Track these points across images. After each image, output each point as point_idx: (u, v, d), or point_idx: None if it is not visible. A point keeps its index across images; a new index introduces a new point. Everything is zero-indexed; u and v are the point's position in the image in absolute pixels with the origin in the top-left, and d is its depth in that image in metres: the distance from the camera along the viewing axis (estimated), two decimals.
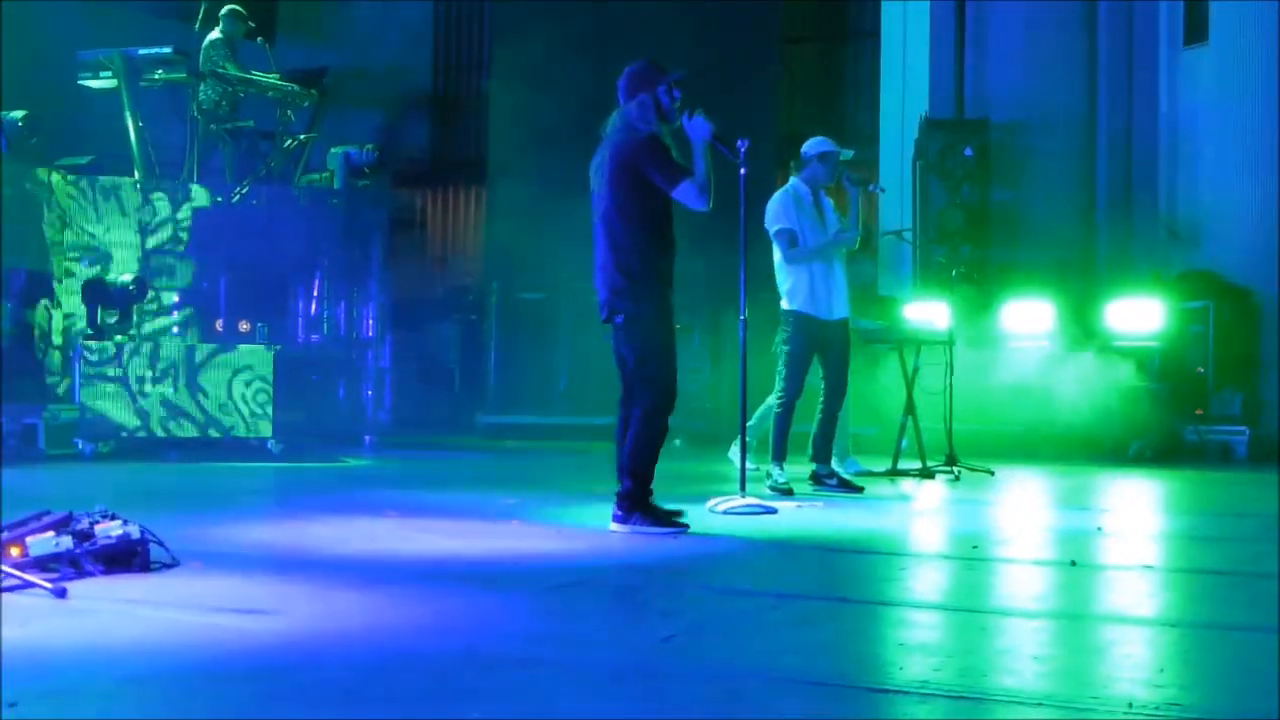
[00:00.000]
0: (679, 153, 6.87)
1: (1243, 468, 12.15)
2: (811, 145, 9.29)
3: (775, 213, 9.11)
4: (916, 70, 16.29)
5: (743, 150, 7.39)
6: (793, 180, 9.26)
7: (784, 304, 9.12)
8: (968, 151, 14.77)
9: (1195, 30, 14.62)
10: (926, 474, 10.21)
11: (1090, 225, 15.39)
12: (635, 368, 6.86)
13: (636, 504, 6.76)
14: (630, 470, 6.79)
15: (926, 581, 5.76)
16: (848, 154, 9.48)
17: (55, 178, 12.06)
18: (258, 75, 13.51)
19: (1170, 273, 14.18)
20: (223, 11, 13.53)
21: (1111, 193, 15.42)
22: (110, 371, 11.10)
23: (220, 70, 13.26)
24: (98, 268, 11.94)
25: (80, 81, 13.20)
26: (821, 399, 9.28)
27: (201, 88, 13.27)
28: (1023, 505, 9.20)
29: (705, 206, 6.79)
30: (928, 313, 12.01)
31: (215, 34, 13.46)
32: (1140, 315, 13.02)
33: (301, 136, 13.69)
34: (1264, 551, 6.61)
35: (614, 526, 6.76)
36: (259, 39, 13.81)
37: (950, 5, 15.67)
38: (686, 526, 6.77)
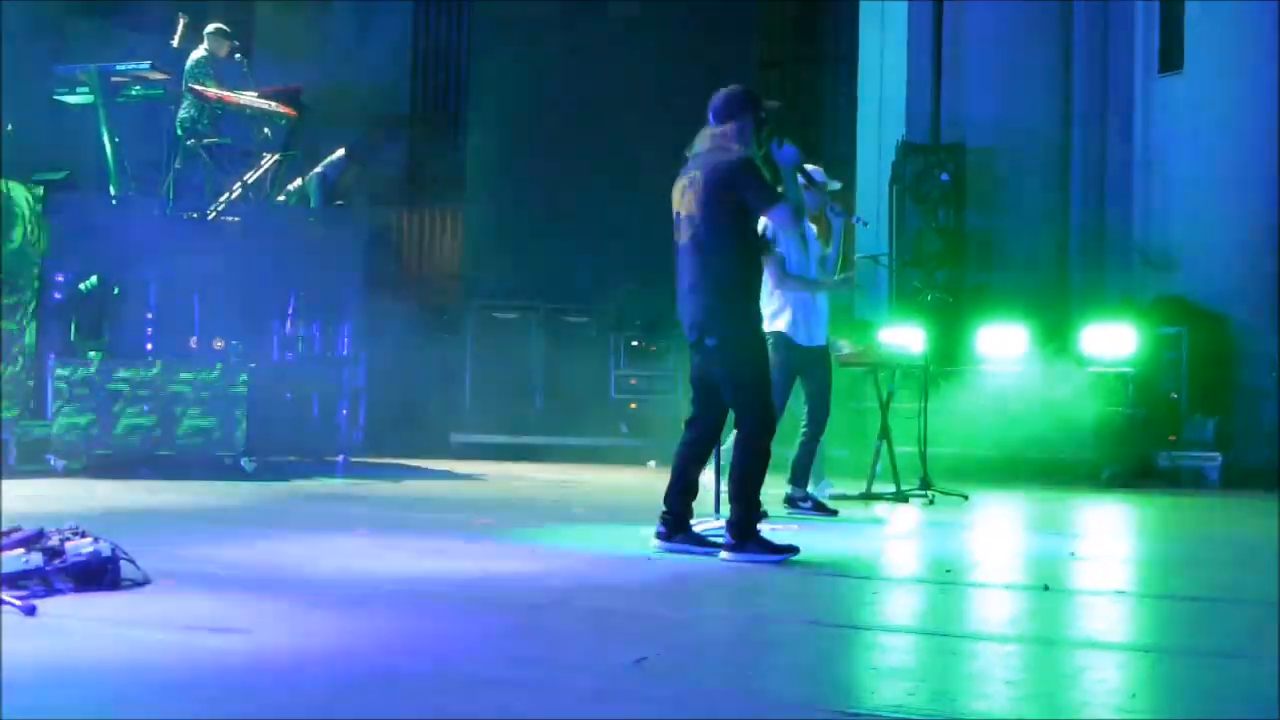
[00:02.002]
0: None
1: (1215, 493, 12.19)
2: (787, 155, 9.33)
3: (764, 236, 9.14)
4: (893, 95, 16.37)
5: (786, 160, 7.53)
6: None
7: (766, 326, 9.14)
8: (944, 176, 14.84)
9: (1170, 58, 14.72)
10: (900, 498, 10.22)
11: (1064, 250, 15.45)
12: (733, 392, 6.82)
13: (747, 532, 6.65)
14: (737, 496, 6.69)
15: (900, 605, 5.77)
16: (835, 185, 9.55)
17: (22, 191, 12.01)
18: (235, 93, 13.49)
19: (1144, 298, 14.25)
20: (208, 29, 13.53)
21: (1086, 218, 15.49)
22: (82, 388, 11.04)
23: (198, 87, 13.24)
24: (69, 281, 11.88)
25: (56, 97, 13.16)
26: (804, 424, 9.31)
27: (183, 105, 13.25)
28: (996, 529, 9.22)
29: (797, 229, 7.03)
30: (903, 336, 12.04)
31: (200, 52, 13.46)
32: (1114, 340, 13.07)
33: (278, 154, 13.66)
34: (1236, 577, 6.64)
35: (724, 555, 6.63)
36: (238, 55, 13.78)
37: (927, 31, 15.75)
38: (797, 550, 6.67)
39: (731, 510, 6.72)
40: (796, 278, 9.10)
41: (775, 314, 9.09)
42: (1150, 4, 15.03)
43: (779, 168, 6.91)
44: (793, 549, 6.66)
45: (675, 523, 6.85)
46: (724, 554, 6.64)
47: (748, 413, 6.79)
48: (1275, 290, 13.54)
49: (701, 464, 7.05)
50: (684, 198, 6.82)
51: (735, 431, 6.85)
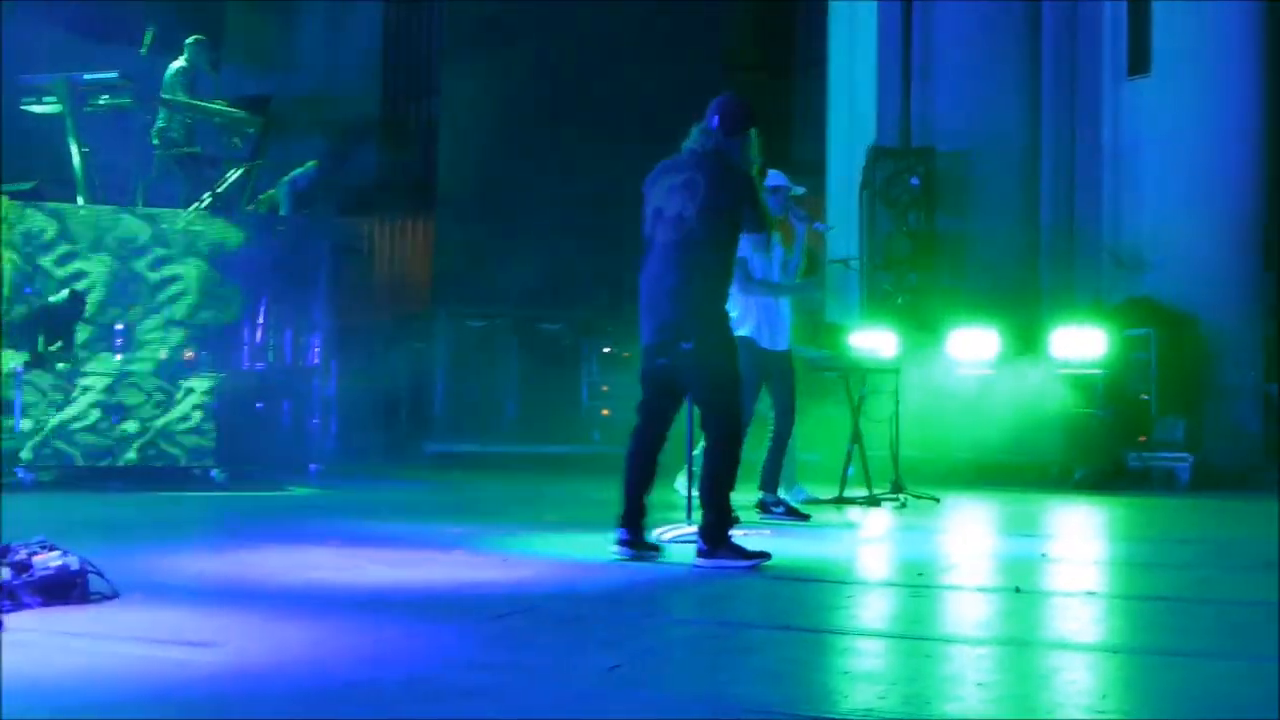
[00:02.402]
0: None
1: (1185, 494, 12.23)
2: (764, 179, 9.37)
3: None
4: (863, 100, 16.40)
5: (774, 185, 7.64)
6: None
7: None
8: (914, 180, 14.87)
9: (1138, 61, 14.76)
10: (872, 501, 10.24)
11: (1034, 253, 15.50)
12: (707, 395, 6.81)
13: (720, 537, 6.63)
14: (710, 503, 6.67)
15: (872, 609, 5.78)
16: (798, 190, 9.58)
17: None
18: (203, 102, 13.46)
19: (1113, 300, 14.29)
20: (189, 41, 13.52)
21: (1055, 221, 15.54)
22: (50, 399, 10.99)
23: (168, 97, 13.21)
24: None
25: (23, 107, 13.10)
26: (771, 428, 9.34)
27: (159, 115, 13.26)
28: (968, 532, 9.24)
29: (762, 254, 7.24)
30: (874, 340, 12.06)
31: (180, 62, 13.45)
32: (1084, 342, 13.10)
33: (248, 163, 13.63)
34: (1207, 577, 6.67)
35: (698, 561, 6.61)
36: (216, 67, 13.80)
37: (896, 35, 15.79)
38: (769, 556, 6.64)
39: (703, 516, 6.70)
40: (760, 282, 9.13)
41: (739, 319, 9.10)
42: (1118, 6, 15.07)
43: (771, 195, 7.00)
44: (764, 555, 6.66)
45: (639, 530, 6.84)
46: (697, 559, 6.63)
47: (720, 417, 6.78)
48: (1244, 291, 13.60)
49: (652, 472, 6.92)
50: (673, 197, 6.76)
51: (705, 438, 6.84)
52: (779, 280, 9.33)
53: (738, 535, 7.87)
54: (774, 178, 9.36)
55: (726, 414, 6.77)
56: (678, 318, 6.71)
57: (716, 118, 6.87)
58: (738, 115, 6.91)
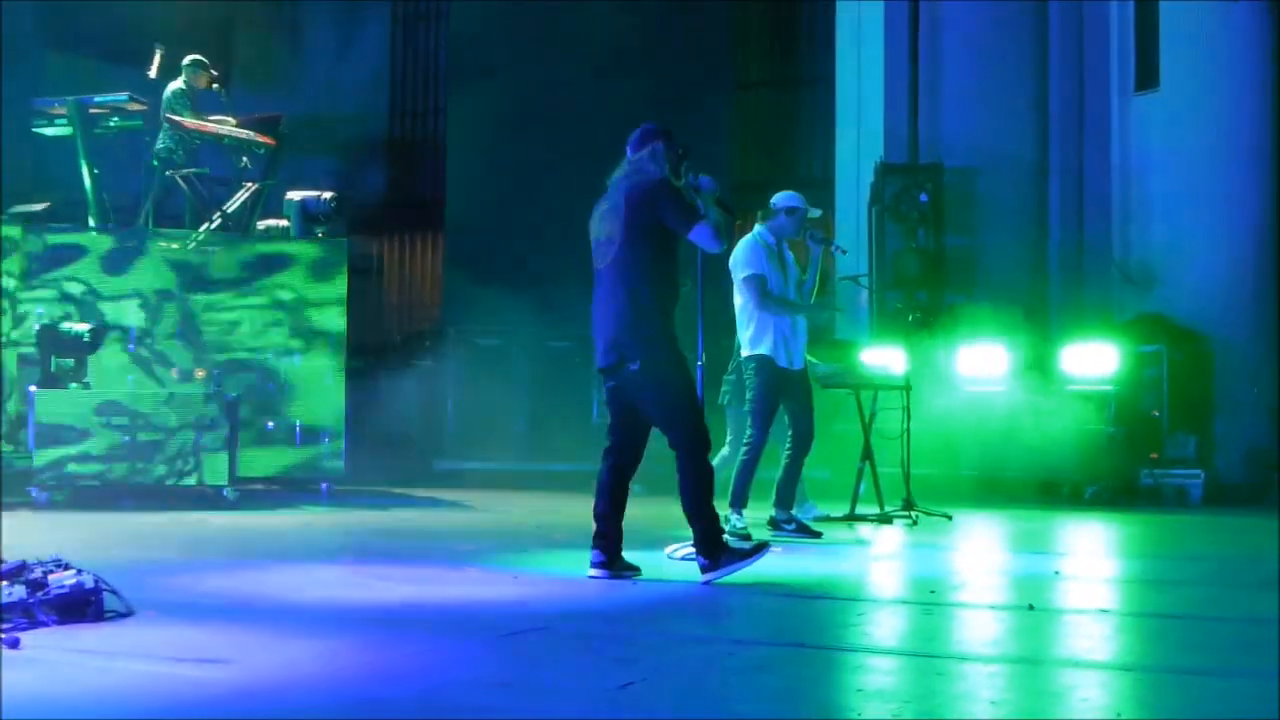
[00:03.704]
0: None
1: (1197, 511, 12.21)
2: (781, 199, 9.40)
3: (744, 259, 9.17)
4: (871, 116, 16.41)
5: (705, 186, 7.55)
6: (758, 228, 9.35)
7: (746, 350, 9.18)
8: (922, 197, 14.87)
9: (1146, 76, 14.78)
10: (884, 519, 10.23)
11: (1043, 270, 15.50)
12: (661, 412, 6.84)
13: (717, 546, 6.67)
14: (696, 515, 6.70)
15: (884, 627, 5.77)
16: (815, 213, 9.59)
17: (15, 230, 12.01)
18: (213, 122, 13.50)
19: (1123, 317, 14.29)
20: (185, 61, 13.55)
21: (1064, 237, 15.55)
22: (64, 419, 11.02)
23: (175, 117, 13.25)
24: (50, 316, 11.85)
25: (35, 129, 13.16)
26: (788, 447, 9.33)
27: (160, 135, 13.29)
28: (980, 549, 9.23)
29: (720, 248, 6.96)
30: (884, 357, 12.06)
31: (178, 83, 13.48)
32: (1095, 359, 13.10)
33: (257, 183, 13.67)
34: (1219, 595, 6.66)
35: (705, 577, 6.63)
36: (215, 86, 13.80)
37: (903, 52, 15.81)
38: (768, 545, 6.83)
39: (694, 530, 6.72)
40: (778, 299, 9.14)
41: (756, 337, 9.13)
42: (1125, 22, 15.10)
43: (703, 197, 6.97)
44: (764, 545, 6.80)
45: (615, 550, 6.87)
46: (704, 575, 6.64)
47: (680, 431, 6.80)
48: (1255, 307, 13.59)
49: (625, 490, 6.98)
50: (603, 223, 6.92)
51: (675, 454, 6.84)
52: (794, 299, 9.34)
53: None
54: (790, 199, 9.40)
55: (685, 426, 6.79)
56: (620, 339, 6.80)
57: (629, 147, 7.07)
58: (642, 135, 7.06)
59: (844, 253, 11.09)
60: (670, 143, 6.99)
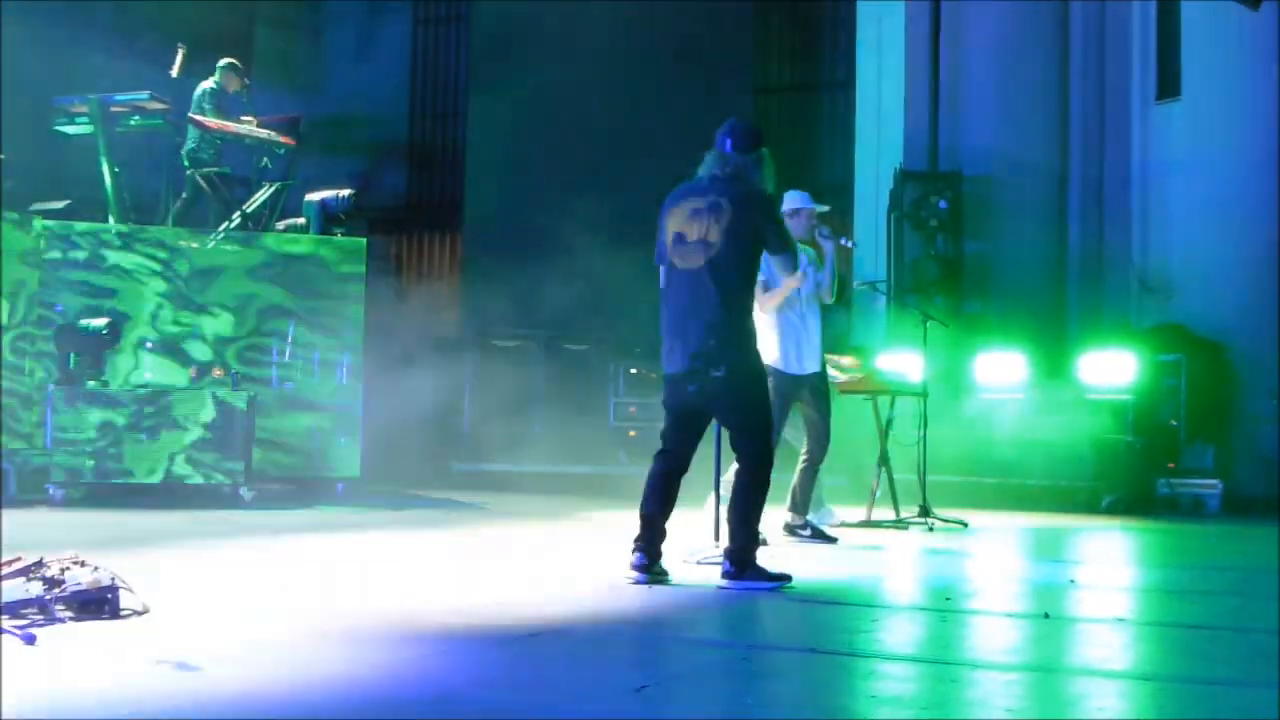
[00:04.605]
0: None
1: (1215, 521, 12.18)
2: (786, 199, 9.34)
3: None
4: (891, 122, 16.41)
5: None
6: None
7: None
8: (941, 204, 14.86)
9: (1167, 85, 14.76)
10: (900, 525, 10.22)
11: (1062, 278, 15.47)
12: (739, 420, 6.80)
13: (748, 560, 6.65)
14: (741, 526, 6.67)
15: (899, 633, 5.76)
16: (822, 208, 9.53)
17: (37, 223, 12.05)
18: (234, 122, 13.56)
19: (1142, 326, 14.25)
20: (221, 63, 13.66)
21: (1084, 245, 15.52)
22: (81, 416, 11.05)
23: (199, 117, 13.32)
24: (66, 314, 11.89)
25: (56, 127, 13.20)
26: (804, 451, 9.31)
27: (189, 135, 13.39)
28: (996, 557, 9.20)
29: (790, 275, 7.44)
30: (901, 363, 12.03)
31: (209, 83, 13.58)
32: (1113, 368, 13.07)
33: (277, 183, 13.71)
34: (1237, 605, 6.63)
35: (724, 583, 6.62)
36: (246, 86, 13.89)
37: (924, 58, 15.80)
38: (790, 579, 6.67)
39: (734, 538, 6.69)
40: (770, 294, 9.02)
41: (760, 343, 9.09)
42: (1147, 32, 15.08)
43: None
44: (786, 577, 6.67)
45: (655, 554, 6.83)
46: (724, 581, 6.63)
47: (753, 441, 6.77)
48: (1274, 317, 13.54)
49: (673, 497, 6.92)
50: (697, 221, 6.72)
51: (735, 462, 6.84)
52: (809, 303, 9.27)
53: (763, 556, 7.91)
54: (796, 199, 9.34)
55: (759, 438, 6.78)
56: (710, 345, 6.68)
57: (729, 140, 6.90)
58: (750, 136, 6.95)
59: (855, 245, 11.05)
60: (768, 151, 6.99)
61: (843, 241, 9.84)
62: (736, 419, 6.83)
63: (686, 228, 6.76)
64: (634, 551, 6.78)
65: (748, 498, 6.71)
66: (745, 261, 6.76)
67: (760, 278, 9.02)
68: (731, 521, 6.73)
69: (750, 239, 6.73)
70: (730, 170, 6.83)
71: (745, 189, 6.78)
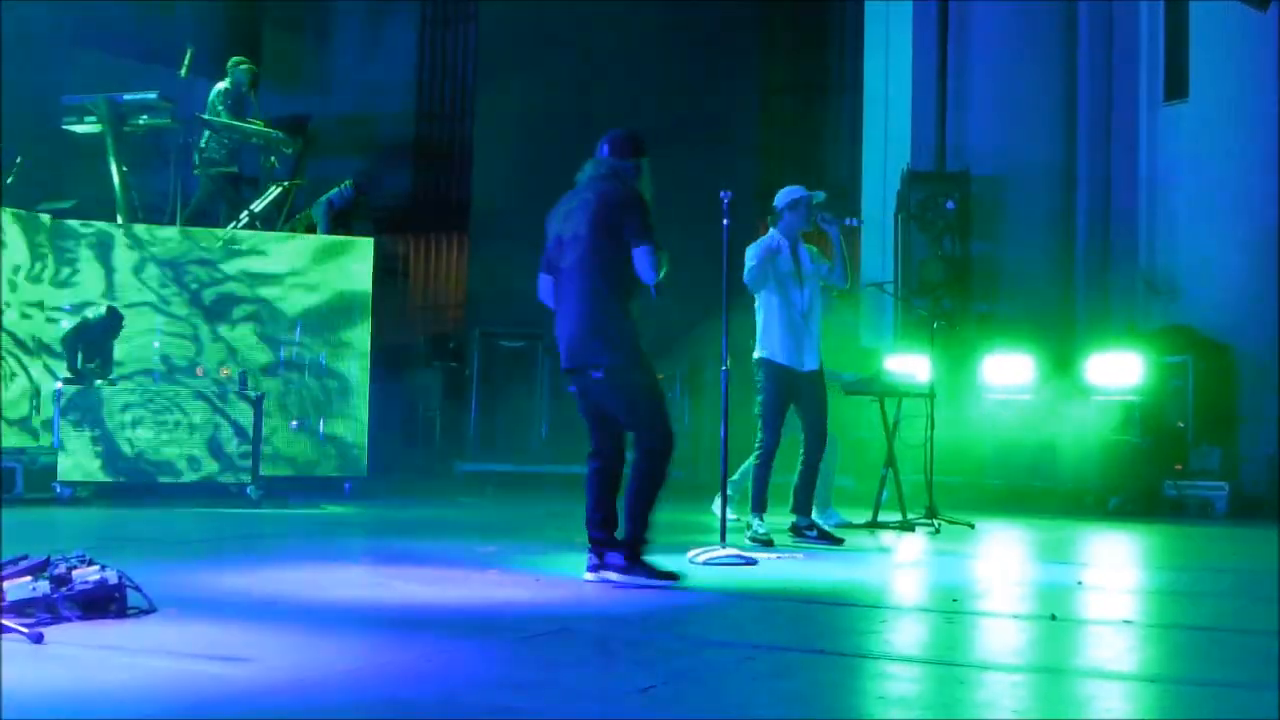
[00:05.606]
0: None
1: (1222, 523, 12.16)
2: (781, 196, 9.32)
3: (747, 257, 9.12)
4: (898, 122, 16.39)
5: (725, 201, 7.58)
6: (771, 232, 9.28)
7: (756, 353, 9.15)
8: (949, 204, 14.83)
9: (1175, 86, 14.73)
10: (907, 526, 10.20)
11: (1069, 279, 15.45)
12: (628, 415, 6.80)
13: (638, 553, 6.68)
14: (634, 516, 6.68)
15: (906, 634, 5.76)
16: (819, 196, 9.41)
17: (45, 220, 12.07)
18: (241, 122, 13.58)
19: (1149, 327, 14.23)
20: (240, 65, 13.71)
21: (1091, 247, 15.49)
22: (89, 415, 11.06)
23: (207, 116, 13.35)
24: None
25: (64, 126, 13.23)
26: (802, 450, 9.27)
27: (203, 136, 13.44)
28: (1003, 558, 9.20)
29: (654, 278, 6.77)
30: (908, 365, 12.02)
31: (223, 84, 13.63)
32: (1120, 369, 13.05)
33: (285, 183, 13.74)
34: (1243, 607, 6.63)
35: (612, 576, 6.65)
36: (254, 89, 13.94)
37: (931, 59, 15.78)
38: (677, 578, 6.67)
39: (626, 528, 6.68)
40: (752, 270, 9.01)
41: (762, 340, 9.09)
42: (1154, 32, 15.06)
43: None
44: (674, 575, 6.65)
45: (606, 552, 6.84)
46: (611, 575, 6.64)
47: (646, 432, 6.77)
48: None
49: (615, 490, 6.91)
50: (570, 221, 6.84)
51: (634, 452, 6.82)
52: (816, 297, 9.23)
53: (769, 558, 7.92)
54: (789, 194, 9.29)
55: (651, 430, 6.76)
56: (583, 343, 6.75)
57: (605, 146, 7.01)
58: (626, 144, 7.01)
59: (860, 223, 10.99)
60: (646, 160, 6.98)
61: (847, 222, 9.78)
62: (625, 415, 6.83)
63: (563, 228, 6.90)
64: (589, 553, 6.84)
65: (641, 491, 6.71)
66: (612, 257, 6.74)
67: (750, 264, 9.04)
68: (626, 512, 6.71)
69: (615, 235, 6.73)
70: (603, 172, 6.92)
71: (612, 186, 6.83)
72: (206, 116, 13.40)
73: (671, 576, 6.69)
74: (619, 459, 6.98)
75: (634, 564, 6.68)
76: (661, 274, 6.78)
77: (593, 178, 6.94)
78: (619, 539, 6.74)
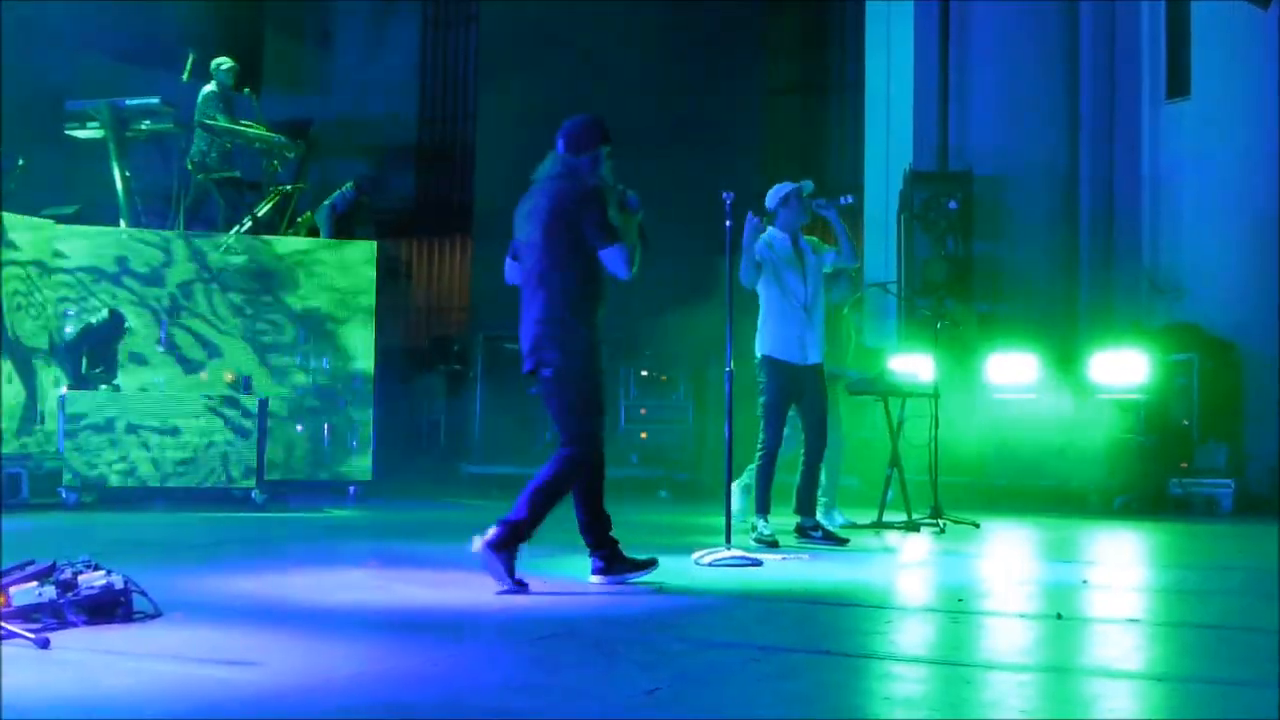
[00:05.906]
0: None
1: (1228, 521, 12.15)
2: (771, 196, 9.29)
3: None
4: (900, 123, 16.37)
5: (728, 203, 7.58)
6: (770, 230, 9.25)
7: (757, 351, 9.14)
8: (951, 204, 14.82)
9: (1177, 84, 14.72)
10: (912, 526, 10.19)
11: (1073, 278, 15.43)
12: (563, 418, 6.76)
13: (509, 542, 6.48)
14: (529, 505, 6.55)
15: (911, 634, 5.75)
16: (808, 186, 9.33)
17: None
18: (244, 126, 13.58)
19: (1153, 325, 14.21)
20: (224, 66, 13.64)
21: (1094, 245, 15.48)
22: (93, 421, 11.07)
23: (209, 121, 13.34)
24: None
25: (67, 131, 13.24)
26: (802, 449, 9.25)
27: (194, 139, 13.40)
28: (1008, 558, 9.19)
29: (628, 275, 6.73)
30: (912, 365, 12.01)
31: (210, 87, 13.59)
32: (1125, 367, 13.03)
33: (288, 187, 13.74)
34: (1250, 605, 6.62)
35: (594, 579, 6.69)
36: (245, 90, 13.89)
37: (933, 57, 15.77)
38: (526, 588, 6.46)
39: (520, 514, 6.53)
40: (744, 266, 8.97)
41: (762, 337, 9.07)
42: (1157, 30, 15.05)
43: (625, 216, 6.85)
44: (523, 585, 6.46)
45: (610, 555, 6.84)
46: (476, 546, 6.46)
47: (572, 430, 6.73)
48: None
49: (599, 492, 6.92)
50: (528, 223, 6.78)
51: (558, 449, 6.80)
52: (819, 288, 9.21)
53: (774, 559, 7.92)
54: (778, 191, 9.26)
55: (577, 438, 6.73)
56: (537, 345, 6.71)
57: (560, 141, 6.91)
58: (582, 133, 6.91)
59: (853, 201, 10.95)
60: (608, 145, 6.87)
61: (842, 201, 9.72)
62: (559, 417, 6.80)
63: (521, 231, 6.83)
64: (591, 556, 6.87)
65: (545, 487, 6.61)
66: (567, 261, 6.67)
67: (756, 259, 9.02)
68: (522, 498, 6.59)
69: (568, 234, 6.66)
70: (559, 170, 6.84)
71: (566, 186, 6.74)
72: (205, 121, 13.37)
73: (650, 563, 6.77)
74: (599, 462, 6.93)
75: (613, 563, 6.72)
76: (634, 268, 6.75)
77: (548, 177, 6.84)
78: (505, 519, 6.56)
